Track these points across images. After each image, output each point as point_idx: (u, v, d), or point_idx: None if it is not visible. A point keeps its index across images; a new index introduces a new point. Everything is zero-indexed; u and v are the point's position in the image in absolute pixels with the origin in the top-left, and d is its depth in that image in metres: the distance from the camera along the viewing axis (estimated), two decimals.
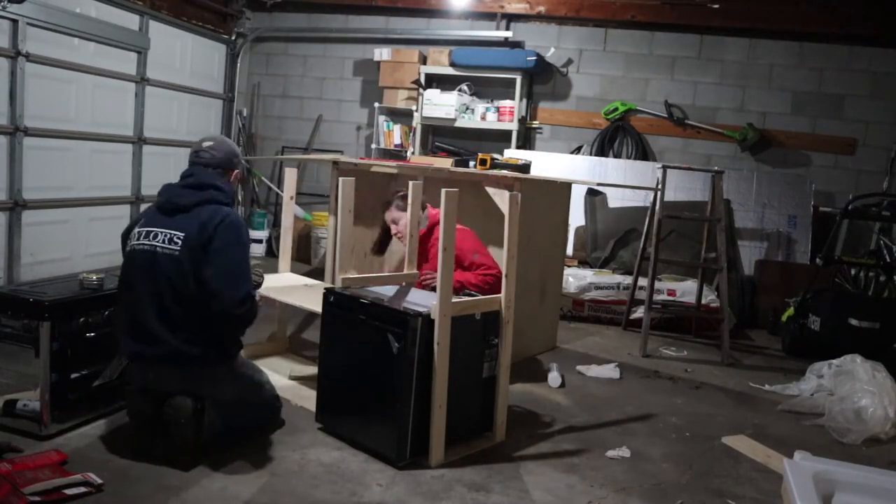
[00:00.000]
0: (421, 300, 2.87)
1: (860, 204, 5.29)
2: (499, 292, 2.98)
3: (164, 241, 2.62)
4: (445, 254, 2.69)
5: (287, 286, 3.75)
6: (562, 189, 4.71)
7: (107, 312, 2.90)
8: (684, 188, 6.06)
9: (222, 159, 2.84)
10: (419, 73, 6.68)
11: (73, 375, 2.78)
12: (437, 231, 3.70)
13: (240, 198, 7.31)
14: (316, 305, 3.13)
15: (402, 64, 6.79)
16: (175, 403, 2.56)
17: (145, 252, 2.63)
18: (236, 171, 2.91)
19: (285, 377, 3.63)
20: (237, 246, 2.66)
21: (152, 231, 2.66)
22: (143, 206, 6.15)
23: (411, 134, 6.85)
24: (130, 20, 5.82)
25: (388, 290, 3.07)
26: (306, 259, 6.87)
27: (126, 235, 2.78)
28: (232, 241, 2.64)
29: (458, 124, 6.65)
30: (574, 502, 2.59)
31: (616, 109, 6.58)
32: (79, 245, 5.52)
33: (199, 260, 2.58)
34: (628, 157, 6.56)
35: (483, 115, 6.61)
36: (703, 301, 5.20)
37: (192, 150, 2.86)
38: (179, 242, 2.60)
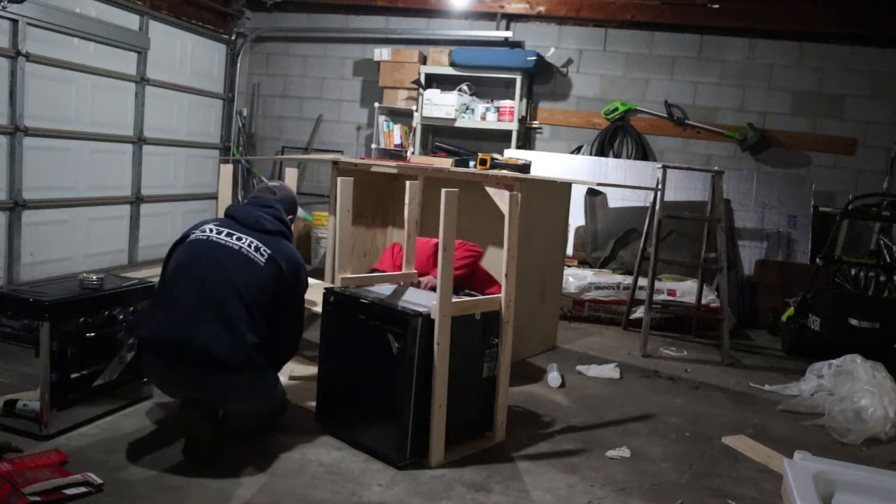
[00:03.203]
0: (421, 300, 2.87)
1: (860, 204, 5.29)
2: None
3: (248, 246, 2.65)
4: (445, 254, 2.69)
5: None
6: (562, 189, 4.71)
7: (107, 312, 2.90)
8: (684, 188, 6.06)
9: (286, 197, 3.01)
10: (419, 73, 6.68)
11: (73, 375, 2.78)
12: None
13: (240, 197, 7.30)
14: (316, 305, 3.13)
15: (402, 64, 6.79)
16: (196, 420, 2.57)
17: (223, 246, 2.64)
18: (292, 216, 3.03)
19: (285, 377, 3.62)
20: (302, 297, 2.88)
21: (234, 233, 2.68)
22: (144, 207, 6.17)
23: (411, 134, 6.85)
24: (130, 20, 5.82)
25: (388, 290, 3.07)
26: (306, 259, 6.88)
27: (178, 242, 2.77)
28: (303, 291, 2.84)
29: (458, 124, 6.65)
30: (574, 502, 2.59)
31: (616, 109, 6.58)
32: (79, 245, 5.51)
33: (278, 285, 2.66)
34: (628, 157, 6.56)
35: (483, 115, 6.61)
36: (703, 301, 5.20)
37: (260, 188, 3.04)
38: (266, 255, 2.64)
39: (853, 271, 5.79)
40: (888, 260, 5.54)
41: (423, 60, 6.81)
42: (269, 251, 2.67)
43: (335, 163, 4.71)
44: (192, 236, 2.74)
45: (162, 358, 2.61)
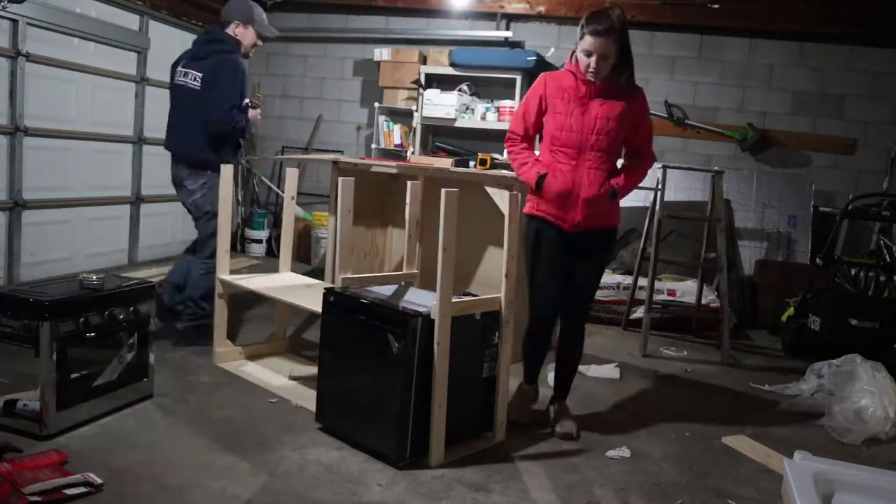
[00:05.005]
0: (421, 300, 2.87)
1: (860, 204, 5.29)
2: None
3: (191, 79, 3.88)
4: (446, 254, 2.69)
5: (287, 286, 3.75)
6: None
7: (107, 312, 2.90)
8: (684, 188, 6.06)
9: (226, 11, 4.06)
10: (419, 73, 6.68)
11: (73, 375, 2.78)
12: None
13: (239, 197, 7.29)
14: (316, 305, 3.13)
15: (402, 64, 6.79)
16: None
17: (181, 87, 3.92)
18: (235, 21, 3.98)
19: (285, 377, 3.62)
20: (229, 82, 3.89)
21: (187, 71, 3.92)
22: (144, 207, 6.17)
23: (411, 134, 6.84)
24: (130, 20, 5.82)
25: (388, 290, 3.07)
26: (306, 259, 6.88)
27: (174, 66, 4.03)
28: (227, 79, 3.88)
29: (458, 124, 6.64)
30: (574, 502, 2.59)
31: None
32: (79, 245, 5.52)
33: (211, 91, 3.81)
34: None
35: (483, 115, 6.60)
36: (703, 301, 5.20)
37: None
38: (199, 80, 3.86)
39: (853, 271, 5.78)
40: (888, 260, 5.54)
41: (423, 60, 6.81)
42: (200, 74, 3.86)
43: (335, 163, 4.71)
44: (175, 79, 3.98)
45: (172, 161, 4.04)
